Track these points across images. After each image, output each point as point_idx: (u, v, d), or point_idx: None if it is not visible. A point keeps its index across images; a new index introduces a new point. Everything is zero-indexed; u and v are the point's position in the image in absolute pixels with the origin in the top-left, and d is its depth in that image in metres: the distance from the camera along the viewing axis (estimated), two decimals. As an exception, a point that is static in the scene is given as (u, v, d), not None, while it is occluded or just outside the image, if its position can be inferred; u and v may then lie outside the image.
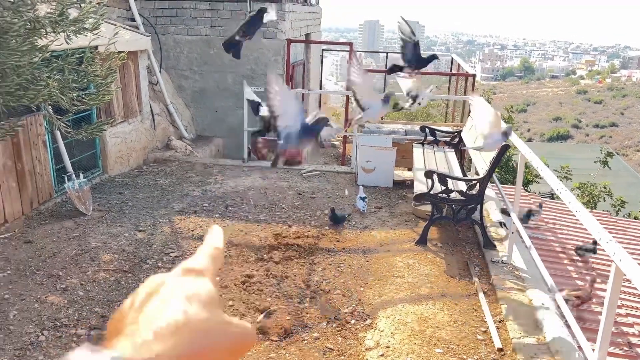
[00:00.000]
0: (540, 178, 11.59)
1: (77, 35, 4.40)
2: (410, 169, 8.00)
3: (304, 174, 7.29)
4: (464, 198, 4.95)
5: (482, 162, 5.11)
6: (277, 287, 4.53)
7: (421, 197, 5.07)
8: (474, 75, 8.71)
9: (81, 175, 5.75)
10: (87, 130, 4.67)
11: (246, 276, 4.66)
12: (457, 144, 6.87)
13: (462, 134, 6.70)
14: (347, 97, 9.15)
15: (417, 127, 9.08)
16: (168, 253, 4.95)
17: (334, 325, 3.99)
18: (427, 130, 6.92)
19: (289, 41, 8.86)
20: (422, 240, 5.19)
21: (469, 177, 5.08)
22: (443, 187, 4.96)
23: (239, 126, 9.18)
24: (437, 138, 6.95)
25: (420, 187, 5.39)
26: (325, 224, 5.74)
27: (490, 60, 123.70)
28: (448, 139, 6.95)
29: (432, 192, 5.01)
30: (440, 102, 12.83)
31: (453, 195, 4.98)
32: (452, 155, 6.55)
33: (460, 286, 4.47)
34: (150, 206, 6.00)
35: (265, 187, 6.80)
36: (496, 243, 5.14)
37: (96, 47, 6.19)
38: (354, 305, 4.24)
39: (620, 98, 77.42)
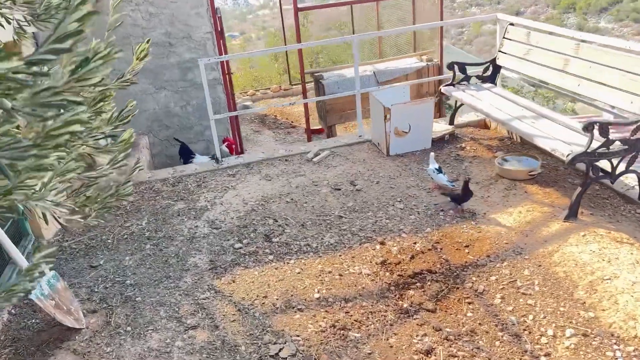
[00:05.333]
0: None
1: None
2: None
3: (313, 160, 5.47)
4: (627, 146, 3.74)
5: (619, 93, 3.89)
6: (479, 354, 2.97)
7: (577, 160, 3.74)
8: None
9: (46, 268, 3.33)
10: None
11: (423, 353, 3.00)
12: (492, 76, 5.59)
13: (500, 62, 5.43)
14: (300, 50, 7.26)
15: (392, 66, 7.63)
16: (276, 354, 3.04)
17: (639, 394, 2.62)
18: (456, 66, 5.51)
19: (209, -15, 6.56)
20: (573, 214, 3.93)
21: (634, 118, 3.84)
22: (603, 139, 3.68)
23: (165, 114, 6.87)
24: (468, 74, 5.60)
25: (544, 142, 4.05)
26: (421, 223, 4.16)
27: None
28: (481, 72, 5.64)
29: (589, 149, 3.71)
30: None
31: (614, 146, 3.73)
32: (507, 92, 5.28)
33: (691, 266, 3.34)
34: (165, 275, 3.82)
35: (284, 192, 4.89)
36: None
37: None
38: (619, 346, 2.88)
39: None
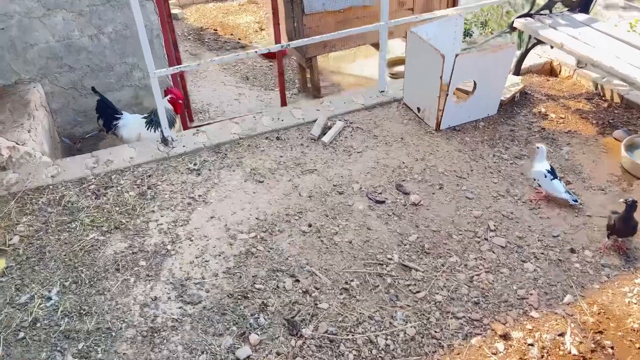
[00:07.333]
0: None
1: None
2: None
3: (323, 140, 3.48)
4: None
5: None
6: None
7: None
8: None
9: None
10: None
11: None
12: (585, 3, 3.71)
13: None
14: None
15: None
16: None
17: None
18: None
19: None
20: None
21: None
22: None
23: (66, 49, 4.51)
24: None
25: None
26: (549, 281, 2.46)
27: None
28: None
29: None
30: None
31: None
32: (621, 32, 3.46)
33: None
34: None
35: (291, 208, 2.96)
36: None
37: None
38: None
39: None
